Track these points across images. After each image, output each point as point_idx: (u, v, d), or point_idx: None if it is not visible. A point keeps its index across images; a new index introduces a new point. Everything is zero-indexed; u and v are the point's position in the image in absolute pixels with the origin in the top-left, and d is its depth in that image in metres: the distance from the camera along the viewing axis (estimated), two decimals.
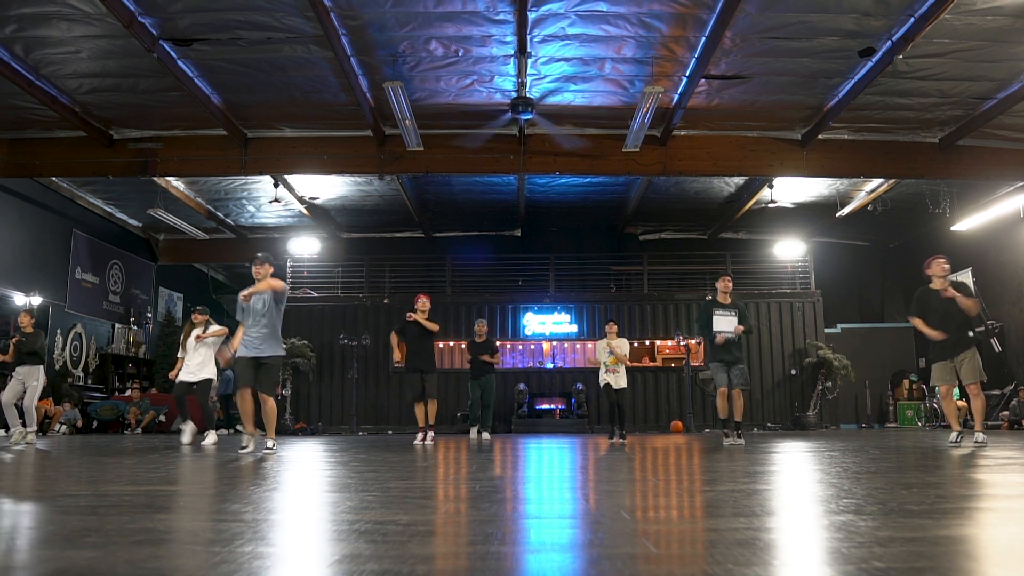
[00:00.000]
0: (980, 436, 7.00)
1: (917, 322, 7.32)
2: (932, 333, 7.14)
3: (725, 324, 8.26)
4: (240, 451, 6.80)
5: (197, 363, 9.20)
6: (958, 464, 4.83)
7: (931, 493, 3.16)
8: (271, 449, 6.67)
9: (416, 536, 2.14)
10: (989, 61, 9.64)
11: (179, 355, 9.41)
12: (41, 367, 9.36)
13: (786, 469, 4.76)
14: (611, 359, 9.88)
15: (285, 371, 14.55)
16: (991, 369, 14.74)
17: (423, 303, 9.74)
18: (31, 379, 9.21)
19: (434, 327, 9.70)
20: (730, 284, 8.59)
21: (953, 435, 7.09)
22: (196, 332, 9.27)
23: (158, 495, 3.39)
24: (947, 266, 7.28)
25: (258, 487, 3.63)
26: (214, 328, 9.37)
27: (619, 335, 10.16)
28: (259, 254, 7.13)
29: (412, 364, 9.66)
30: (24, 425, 9.16)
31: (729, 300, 8.47)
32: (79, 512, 2.74)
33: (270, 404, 6.91)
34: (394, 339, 9.87)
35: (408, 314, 9.70)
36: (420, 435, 9.54)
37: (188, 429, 9.05)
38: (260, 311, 6.88)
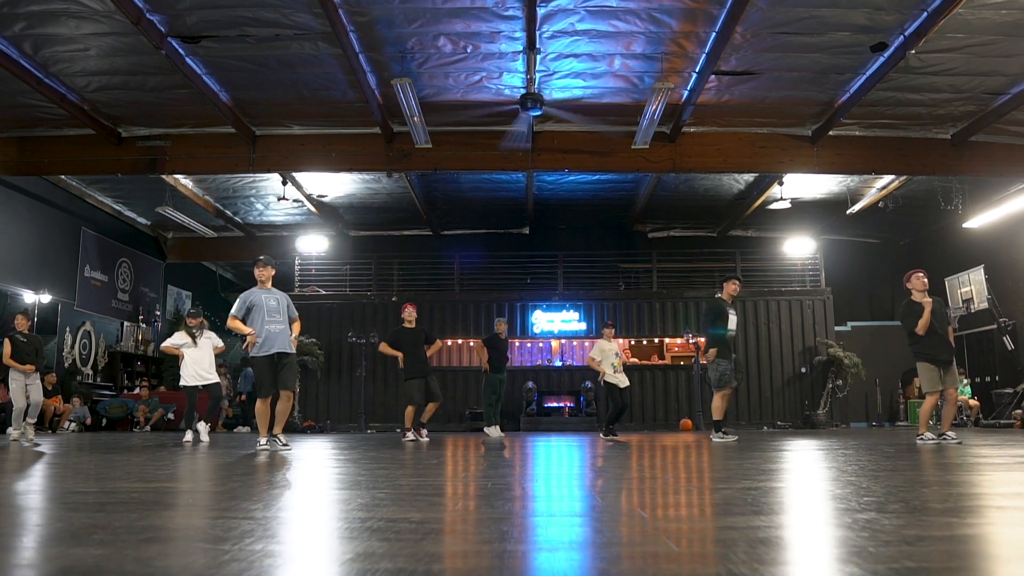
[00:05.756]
0: (951, 434, 7.39)
1: (922, 322, 7.47)
2: (924, 321, 7.40)
3: (734, 324, 8.91)
4: (258, 448, 6.90)
5: (206, 368, 9.32)
6: (973, 462, 4.76)
7: (951, 491, 3.10)
8: (286, 446, 6.89)
9: (429, 534, 2.10)
10: (1002, 56, 9.53)
11: (180, 348, 9.44)
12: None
13: (801, 467, 4.70)
14: (618, 360, 10.06)
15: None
16: (1004, 367, 14.68)
17: (410, 312, 9.90)
18: (34, 380, 9.27)
19: (437, 346, 10.16)
20: (737, 288, 9.06)
21: (927, 434, 7.39)
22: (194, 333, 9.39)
23: (167, 492, 3.36)
24: (926, 280, 7.71)
25: (268, 485, 3.59)
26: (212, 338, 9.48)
27: (623, 333, 10.46)
28: (261, 256, 7.36)
29: (415, 370, 9.72)
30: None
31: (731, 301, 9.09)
32: (87, 509, 2.71)
33: (288, 400, 7.09)
34: (386, 348, 9.93)
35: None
36: (411, 434, 9.59)
37: (203, 428, 9.15)
38: (276, 308, 7.13)
